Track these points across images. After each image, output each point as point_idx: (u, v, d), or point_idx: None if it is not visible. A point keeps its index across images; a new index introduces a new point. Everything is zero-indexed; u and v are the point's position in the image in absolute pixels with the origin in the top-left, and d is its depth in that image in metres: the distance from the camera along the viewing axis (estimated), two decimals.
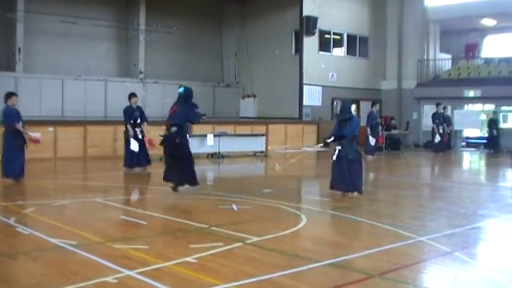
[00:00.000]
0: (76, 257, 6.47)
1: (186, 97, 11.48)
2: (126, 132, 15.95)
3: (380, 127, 23.01)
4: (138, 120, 15.89)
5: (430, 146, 26.86)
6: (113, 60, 29.17)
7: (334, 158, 11.68)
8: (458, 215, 9.72)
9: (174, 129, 11.29)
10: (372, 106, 22.80)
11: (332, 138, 11.74)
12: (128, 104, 16.06)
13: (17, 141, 13.40)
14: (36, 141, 13.90)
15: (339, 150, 11.58)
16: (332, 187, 11.76)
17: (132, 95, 16.16)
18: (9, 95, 13.91)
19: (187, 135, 11.67)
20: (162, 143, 11.73)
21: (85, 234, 7.61)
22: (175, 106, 11.54)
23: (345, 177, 11.43)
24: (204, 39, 31.70)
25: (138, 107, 16.25)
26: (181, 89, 11.53)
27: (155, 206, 10.17)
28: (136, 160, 15.89)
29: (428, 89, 30.22)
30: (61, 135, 19.08)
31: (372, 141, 21.68)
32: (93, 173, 16.94)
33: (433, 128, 25.75)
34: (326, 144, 12.23)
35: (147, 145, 15.72)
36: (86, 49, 27.38)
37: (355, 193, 11.52)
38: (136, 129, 15.83)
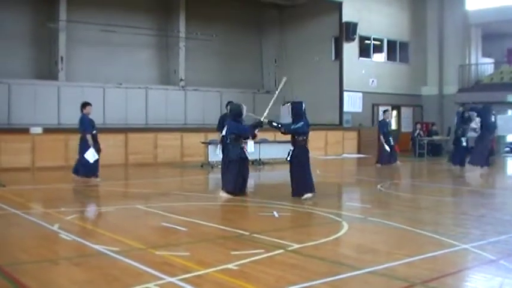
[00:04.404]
0: (118, 263, 6.52)
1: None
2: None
3: (391, 136, 21.83)
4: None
5: None
6: (154, 68, 29.39)
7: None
8: (502, 222, 9.54)
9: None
10: (384, 114, 22.45)
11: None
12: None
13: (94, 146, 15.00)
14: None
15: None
16: None
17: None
18: (85, 104, 15.12)
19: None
20: None
21: (127, 240, 7.67)
22: None
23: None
24: (243, 46, 31.83)
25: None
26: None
27: (196, 213, 10.19)
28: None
29: (470, 94, 29.70)
30: (102, 142, 19.18)
31: (387, 149, 21.24)
32: (135, 179, 17.10)
33: None
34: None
35: None
36: (126, 57, 27.70)
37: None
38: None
